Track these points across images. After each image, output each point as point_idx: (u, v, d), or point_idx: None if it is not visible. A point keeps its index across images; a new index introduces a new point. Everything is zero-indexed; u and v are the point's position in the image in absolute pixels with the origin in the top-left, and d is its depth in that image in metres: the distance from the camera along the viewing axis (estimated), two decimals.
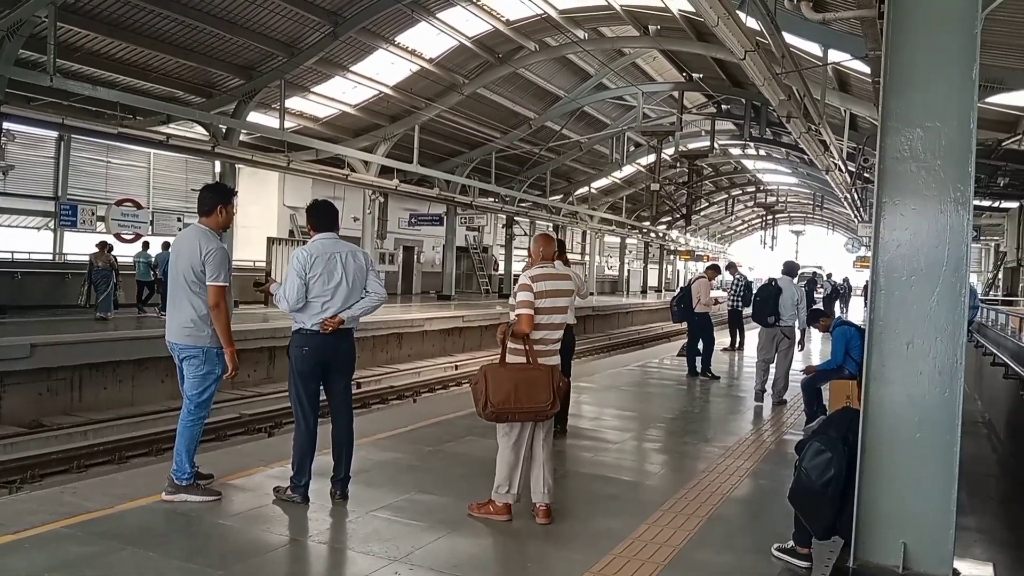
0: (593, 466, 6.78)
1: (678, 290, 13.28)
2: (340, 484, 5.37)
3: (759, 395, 10.70)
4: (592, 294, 36.67)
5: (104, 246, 17.88)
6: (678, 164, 37.20)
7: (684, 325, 13.54)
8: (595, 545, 4.75)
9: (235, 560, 4.29)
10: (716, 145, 29.93)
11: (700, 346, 13.05)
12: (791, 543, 4.54)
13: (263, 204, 27.66)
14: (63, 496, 5.25)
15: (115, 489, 5.39)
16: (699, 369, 12.81)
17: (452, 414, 8.56)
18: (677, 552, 4.67)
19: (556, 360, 5.22)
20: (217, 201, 5.33)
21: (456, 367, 20.36)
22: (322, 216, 5.43)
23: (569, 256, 7.78)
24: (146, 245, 19.65)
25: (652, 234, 51.95)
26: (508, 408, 4.92)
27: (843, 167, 20.65)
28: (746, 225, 71.65)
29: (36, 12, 14.98)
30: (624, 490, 6.09)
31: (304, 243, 5.57)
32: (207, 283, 5.16)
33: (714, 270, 14.63)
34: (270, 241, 22.63)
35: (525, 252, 43.73)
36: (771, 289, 10.40)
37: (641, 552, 4.63)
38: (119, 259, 18.63)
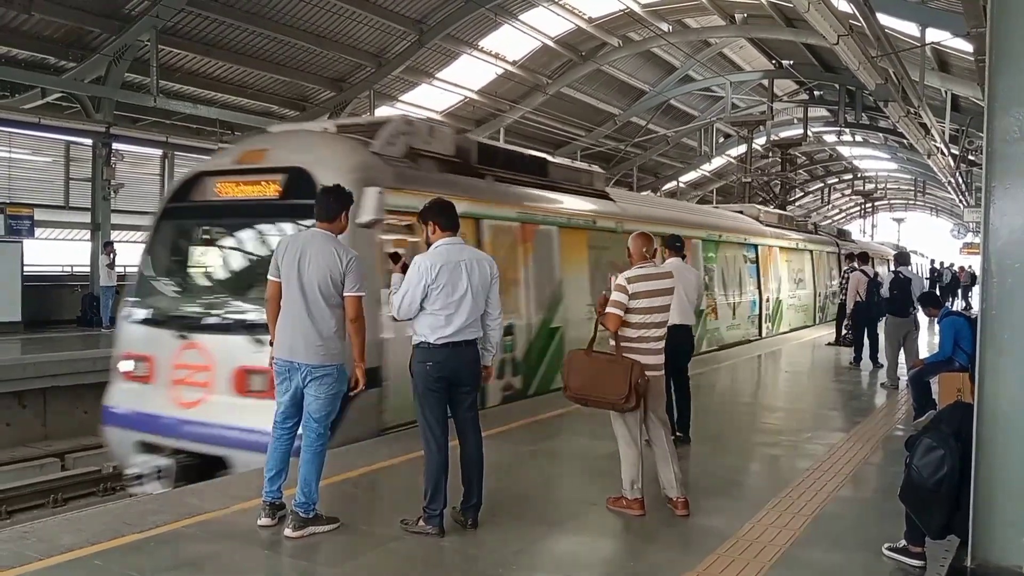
0: (692, 465, 6.70)
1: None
2: (472, 511, 4.84)
3: (894, 386, 10.66)
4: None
5: None
6: (770, 154, 36.29)
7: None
8: (698, 544, 4.71)
9: (345, 557, 4.44)
10: (810, 133, 29.17)
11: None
12: (903, 542, 4.40)
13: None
14: (183, 498, 5.52)
15: (230, 491, 5.63)
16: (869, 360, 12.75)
17: (545, 415, 8.56)
18: (783, 552, 4.58)
19: (658, 359, 5.28)
20: (342, 206, 4.90)
21: None
22: (449, 215, 4.85)
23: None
24: None
25: None
26: (584, 395, 5.17)
27: (945, 150, 19.81)
28: (844, 214, 69.29)
29: (139, 37, 15.82)
30: (726, 488, 6.01)
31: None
32: (347, 294, 4.73)
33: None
34: None
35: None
36: (902, 281, 10.64)
37: (746, 551, 4.56)
38: None
